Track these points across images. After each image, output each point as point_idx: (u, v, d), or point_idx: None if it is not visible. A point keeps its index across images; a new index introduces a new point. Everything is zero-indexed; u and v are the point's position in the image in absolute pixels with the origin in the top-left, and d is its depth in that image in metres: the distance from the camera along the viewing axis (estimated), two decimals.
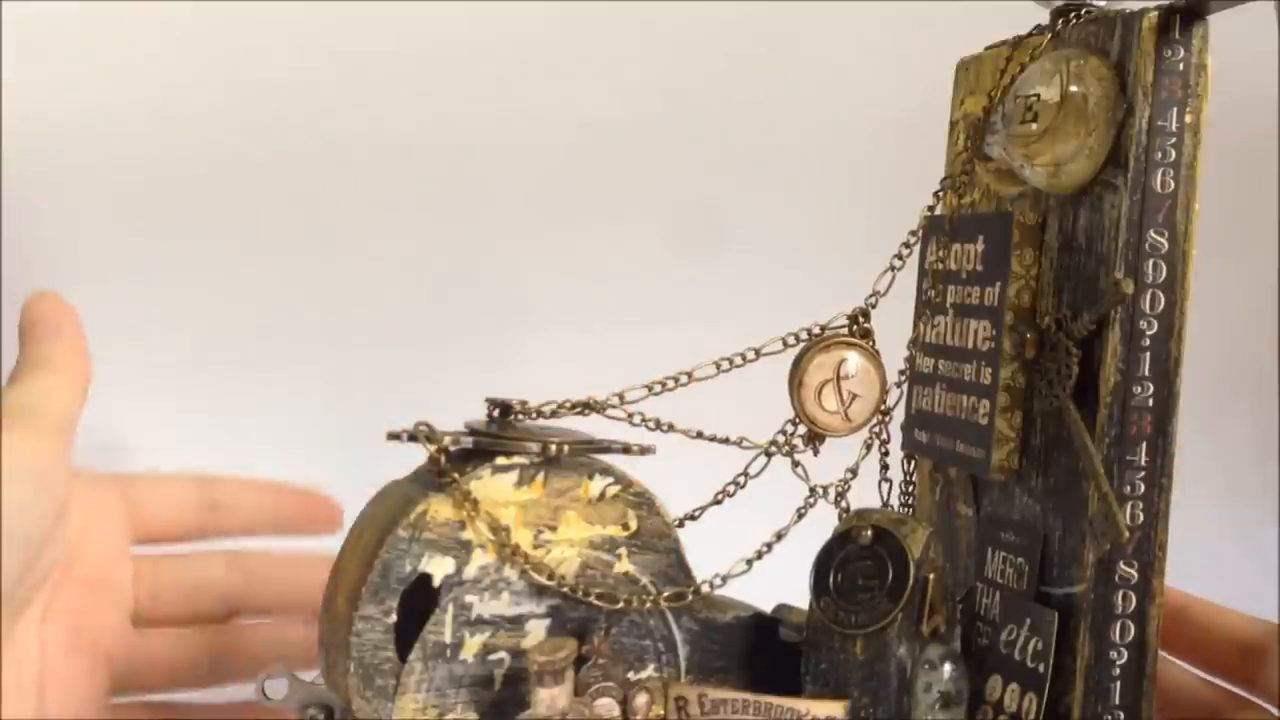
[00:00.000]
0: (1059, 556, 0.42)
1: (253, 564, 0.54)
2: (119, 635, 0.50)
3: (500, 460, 0.42)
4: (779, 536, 0.45)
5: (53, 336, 0.48)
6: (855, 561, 0.43)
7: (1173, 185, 0.40)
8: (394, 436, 0.42)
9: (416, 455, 0.43)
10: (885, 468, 0.47)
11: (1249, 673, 0.47)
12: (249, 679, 0.45)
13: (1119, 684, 0.41)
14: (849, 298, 0.46)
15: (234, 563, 0.53)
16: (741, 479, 0.49)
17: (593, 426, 0.46)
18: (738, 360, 0.46)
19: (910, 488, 0.49)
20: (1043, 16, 0.45)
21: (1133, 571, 0.41)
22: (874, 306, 0.46)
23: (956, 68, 0.49)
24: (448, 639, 0.41)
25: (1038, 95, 0.42)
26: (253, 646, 0.53)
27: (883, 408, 0.46)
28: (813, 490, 0.46)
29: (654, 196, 0.83)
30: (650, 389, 0.46)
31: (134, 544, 0.52)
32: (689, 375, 0.46)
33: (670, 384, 0.46)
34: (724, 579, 0.44)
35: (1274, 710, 0.46)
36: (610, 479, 0.43)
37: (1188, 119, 0.40)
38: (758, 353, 0.46)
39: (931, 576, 0.42)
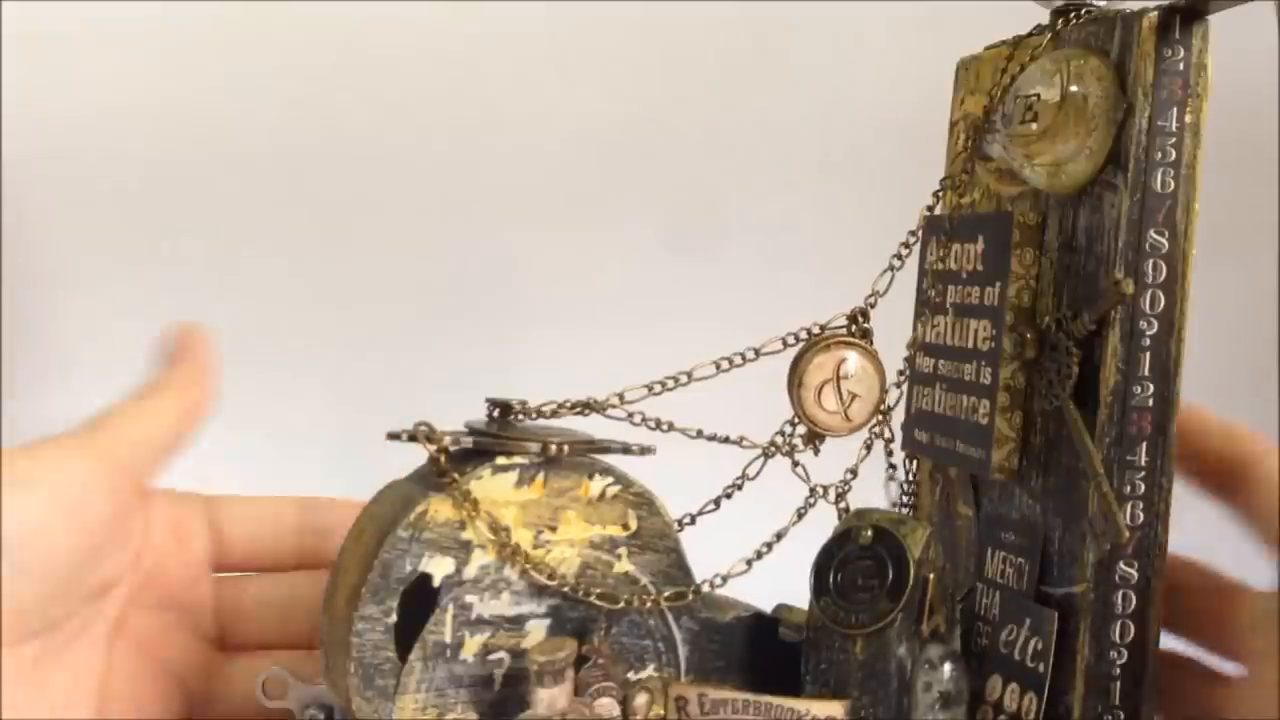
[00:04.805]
0: (1059, 556, 0.42)
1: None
2: (195, 659, 0.48)
3: (500, 460, 0.42)
4: (779, 536, 0.45)
5: (174, 361, 0.48)
6: (855, 561, 0.43)
7: (1173, 185, 0.40)
8: (394, 436, 0.42)
9: (417, 455, 0.43)
10: (893, 467, 0.47)
11: (1229, 485, 0.45)
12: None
13: (1119, 684, 0.41)
14: (849, 298, 0.46)
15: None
16: (741, 479, 0.49)
17: (593, 426, 0.46)
18: (737, 360, 0.46)
19: (910, 487, 0.49)
20: (1043, 16, 0.45)
21: (1133, 571, 0.41)
22: (873, 306, 0.46)
23: (956, 68, 0.49)
24: (448, 639, 0.41)
25: (1038, 95, 0.42)
26: None
27: (882, 408, 0.46)
28: (813, 490, 0.46)
29: (653, 196, 0.83)
30: (650, 389, 0.46)
31: (221, 569, 0.50)
32: (689, 375, 0.46)
33: (670, 384, 0.46)
34: (724, 579, 0.44)
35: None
36: (610, 479, 0.43)
37: (1188, 119, 0.40)
38: (757, 352, 0.46)
39: (931, 576, 0.42)
